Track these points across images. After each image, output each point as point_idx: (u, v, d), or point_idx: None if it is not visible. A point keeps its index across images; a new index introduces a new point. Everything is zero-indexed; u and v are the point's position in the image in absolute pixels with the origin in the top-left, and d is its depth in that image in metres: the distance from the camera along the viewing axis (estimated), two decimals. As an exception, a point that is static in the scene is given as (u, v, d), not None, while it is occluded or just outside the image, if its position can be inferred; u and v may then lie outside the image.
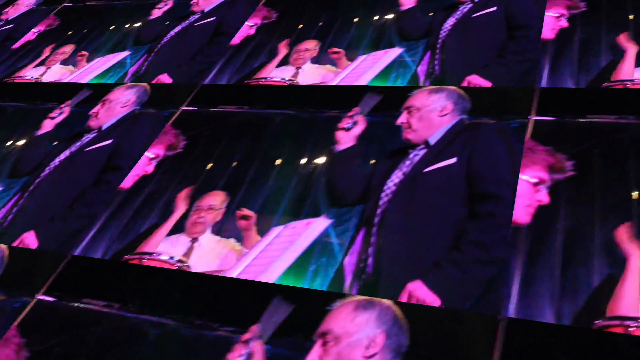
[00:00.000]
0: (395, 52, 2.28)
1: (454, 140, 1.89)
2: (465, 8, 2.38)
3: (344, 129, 2.05)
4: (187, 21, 2.83)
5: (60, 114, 2.48)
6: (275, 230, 1.78)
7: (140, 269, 1.82)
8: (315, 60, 2.36)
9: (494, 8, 2.33)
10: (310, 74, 2.30)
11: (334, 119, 2.12)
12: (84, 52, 2.81)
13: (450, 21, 2.35)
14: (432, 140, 1.90)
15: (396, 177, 1.83)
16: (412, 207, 1.74)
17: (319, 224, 1.76)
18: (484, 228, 1.62)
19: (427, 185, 1.78)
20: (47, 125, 2.46)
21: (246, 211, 1.87)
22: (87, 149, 2.29)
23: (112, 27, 2.96)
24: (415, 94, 2.09)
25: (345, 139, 2.00)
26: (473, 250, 1.59)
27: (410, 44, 2.31)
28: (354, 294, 1.57)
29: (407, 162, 1.87)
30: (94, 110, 2.45)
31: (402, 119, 2.01)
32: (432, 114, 1.99)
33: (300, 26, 2.58)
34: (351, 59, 2.32)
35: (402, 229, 1.70)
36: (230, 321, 1.62)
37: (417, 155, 1.88)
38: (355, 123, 2.06)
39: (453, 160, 1.81)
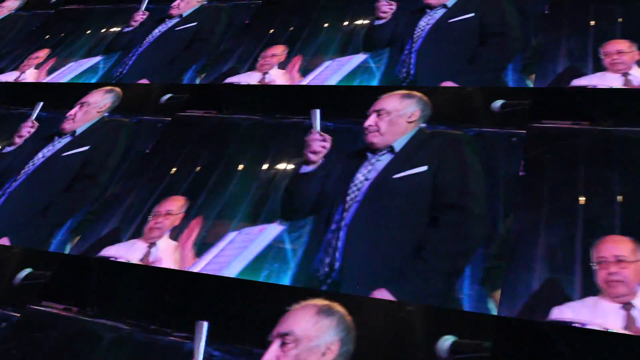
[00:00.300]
0: (360, 58, 2.29)
1: (421, 148, 1.89)
2: (438, 13, 2.39)
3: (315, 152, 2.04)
4: (166, 25, 2.84)
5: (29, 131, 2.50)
6: (230, 236, 1.79)
7: (99, 272, 1.84)
8: (283, 66, 2.37)
9: (471, 14, 2.33)
10: (277, 80, 2.32)
11: (299, 124, 2.13)
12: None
13: (422, 24, 2.35)
14: (397, 147, 1.91)
15: (359, 181, 1.85)
16: (379, 213, 1.74)
17: (273, 230, 1.77)
18: (447, 239, 1.63)
19: (395, 191, 1.79)
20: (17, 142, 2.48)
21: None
22: (64, 154, 2.31)
23: (88, 32, 2.98)
24: (385, 97, 2.08)
25: (315, 158, 1.99)
26: (436, 261, 1.60)
27: (377, 52, 2.32)
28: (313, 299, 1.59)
29: (369, 167, 1.88)
30: (72, 112, 2.47)
31: (370, 121, 2.01)
32: (401, 119, 2.00)
33: (272, 31, 2.59)
34: (317, 64, 2.34)
35: (369, 235, 1.71)
36: (183, 327, 1.64)
37: (379, 160, 1.89)
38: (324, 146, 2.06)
39: (424, 168, 1.82)
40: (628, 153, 1.70)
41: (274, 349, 1.50)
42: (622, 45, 1.97)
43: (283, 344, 1.50)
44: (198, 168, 2.08)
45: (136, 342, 1.65)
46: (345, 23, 2.52)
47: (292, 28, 2.57)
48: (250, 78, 2.35)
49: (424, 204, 1.72)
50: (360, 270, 1.63)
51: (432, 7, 2.41)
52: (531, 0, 2.28)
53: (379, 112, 2.02)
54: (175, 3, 2.96)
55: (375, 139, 1.95)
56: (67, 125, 2.43)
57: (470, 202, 1.70)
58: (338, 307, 1.56)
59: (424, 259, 1.61)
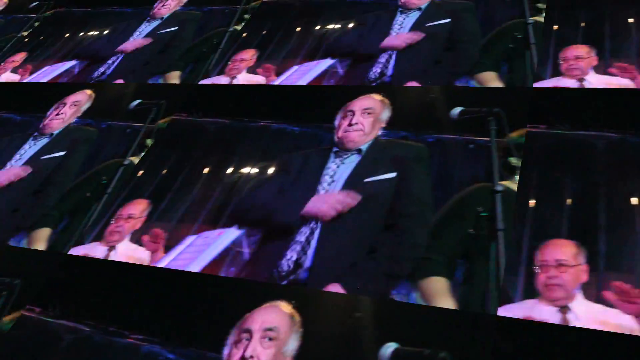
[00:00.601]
0: (327, 62, 2.31)
1: (383, 154, 1.91)
2: (412, 16, 2.41)
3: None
4: (150, 27, 2.86)
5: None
6: (189, 240, 1.82)
7: (63, 272, 1.87)
8: (252, 70, 2.40)
9: (447, 20, 2.35)
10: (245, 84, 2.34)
11: (265, 128, 2.16)
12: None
13: (396, 28, 2.37)
14: (364, 150, 1.93)
15: (327, 183, 1.86)
16: (350, 215, 1.76)
17: (231, 234, 1.80)
18: (398, 244, 1.65)
19: (363, 194, 1.80)
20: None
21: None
22: (43, 157, 2.33)
23: (66, 35, 3.01)
24: (364, 98, 2.09)
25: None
26: (386, 262, 1.61)
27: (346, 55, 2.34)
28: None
29: (334, 166, 1.90)
30: (63, 110, 2.49)
31: (356, 119, 2.01)
32: (379, 123, 2.01)
33: (245, 34, 2.62)
34: (286, 69, 2.36)
35: (340, 234, 1.72)
36: (140, 329, 1.66)
37: (344, 164, 1.90)
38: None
39: (393, 174, 1.83)
40: (581, 156, 1.73)
41: (255, 342, 1.50)
42: (580, 50, 1.99)
43: (266, 339, 1.51)
44: (164, 171, 2.10)
45: (94, 344, 1.67)
46: (317, 27, 2.54)
47: (264, 32, 2.60)
48: (218, 82, 2.38)
49: (385, 208, 1.75)
50: (327, 268, 1.65)
51: (407, 9, 2.44)
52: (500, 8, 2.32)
53: (365, 111, 2.03)
54: (156, 6, 3.00)
55: (358, 137, 1.96)
56: (54, 124, 2.45)
57: (425, 211, 1.71)
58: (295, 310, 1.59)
59: (377, 260, 1.63)
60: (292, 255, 1.70)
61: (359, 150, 1.93)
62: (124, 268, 1.82)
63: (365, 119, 2.01)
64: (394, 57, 2.25)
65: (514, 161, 1.75)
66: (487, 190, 1.69)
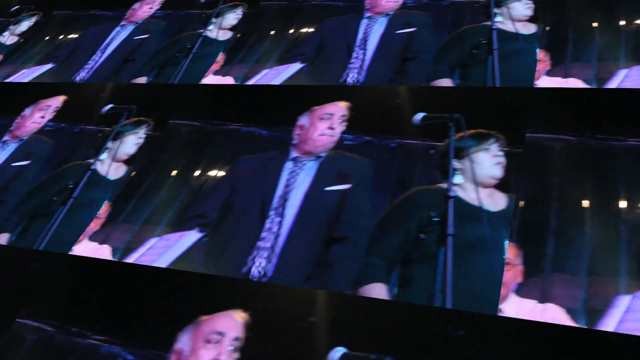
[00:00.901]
0: (296, 67, 2.34)
1: (337, 165, 1.92)
2: (380, 22, 2.44)
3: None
4: (126, 33, 2.89)
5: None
6: (151, 242, 1.85)
7: (30, 272, 1.90)
8: (222, 73, 2.43)
9: (413, 29, 2.37)
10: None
11: (234, 132, 2.19)
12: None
13: (363, 33, 2.40)
14: (324, 157, 1.95)
15: (284, 186, 1.88)
16: (309, 223, 1.79)
17: (192, 236, 1.83)
18: (342, 255, 1.67)
19: (320, 202, 1.83)
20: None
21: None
22: (12, 164, 2.36)
23: (47, 38, 3.04)
24: (336, 104, 2.11)
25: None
26: (329, 272, 1.64)
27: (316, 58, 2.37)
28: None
29: (297, 170, 1.92)
30: (41, 114, 2.52)
31: (333, 123, 2.03)
32: (339, 129, 2.04)
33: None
34: (257, 72, 2.39)
35: (303, 239, 1.75)
36: (101, 330, 1.69)
37: (303, 168, 1.93)
38: None
39: (348, 185, 1.85)
40: (535, 159, 1.75)
41: (224, 347, 1.52)
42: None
43: (232, 348, 1.52)
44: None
45: (56, 345, 1.70)
46: (291, 31, 2.57)
47: (239, 35, 2.63)
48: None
49: (335, 219, 1.77)
50: (292, 270, 1.68)
51: (376, 14, 2.47)
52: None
53: (342, 118, 2.05)
54: (131, 11, 3.03)
55: (329, 143, 1.98)
56: (16, 130, 2.48)
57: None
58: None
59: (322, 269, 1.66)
60: (258, 261, 1.73)
61: (318, 157, 1.96)
62: (86, 265, 1.85)
63: (339, 127, 2.03)
64: (367, 62, 2.28)
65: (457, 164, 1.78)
66: (436, 194, 1.73)
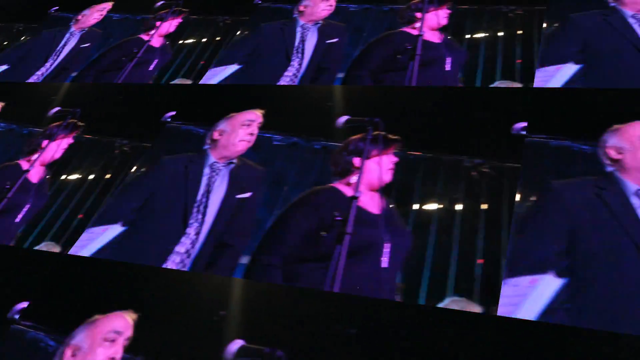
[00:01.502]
0: (232, 68, 2.45)
1: (246, 172, 2.02)
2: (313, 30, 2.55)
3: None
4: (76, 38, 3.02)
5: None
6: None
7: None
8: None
9: (336, 39, 2.47)
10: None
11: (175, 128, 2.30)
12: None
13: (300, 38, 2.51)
14: (235, 163, 2.05)
15: (205, 190, 1.98)
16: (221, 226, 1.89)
17: (114, 230, 1.97)
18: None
19: (231, 208, 1.93)
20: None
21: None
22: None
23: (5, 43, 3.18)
24: (255, 112, 2.19)
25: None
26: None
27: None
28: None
29: (215, 176, 2.02)
30: None
31: (253, 130, 2.12)
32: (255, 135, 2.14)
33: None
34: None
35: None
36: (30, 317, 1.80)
37: (218, 174, 2.03)
38: None
39: (249, 194, 1.95)
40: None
41: (119, 345, 1.62)
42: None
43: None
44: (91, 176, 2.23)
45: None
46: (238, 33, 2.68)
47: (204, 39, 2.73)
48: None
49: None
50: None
51: (309, 22, 2.58)
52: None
53: (259, 125, 2.13)
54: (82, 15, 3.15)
55: (245, 150, 2.07)
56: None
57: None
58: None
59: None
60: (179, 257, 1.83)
61: (229, 162, 2.05)
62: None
63: (256, 133, 2.12)
64: (304, 65, 2.39)
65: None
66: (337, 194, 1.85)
